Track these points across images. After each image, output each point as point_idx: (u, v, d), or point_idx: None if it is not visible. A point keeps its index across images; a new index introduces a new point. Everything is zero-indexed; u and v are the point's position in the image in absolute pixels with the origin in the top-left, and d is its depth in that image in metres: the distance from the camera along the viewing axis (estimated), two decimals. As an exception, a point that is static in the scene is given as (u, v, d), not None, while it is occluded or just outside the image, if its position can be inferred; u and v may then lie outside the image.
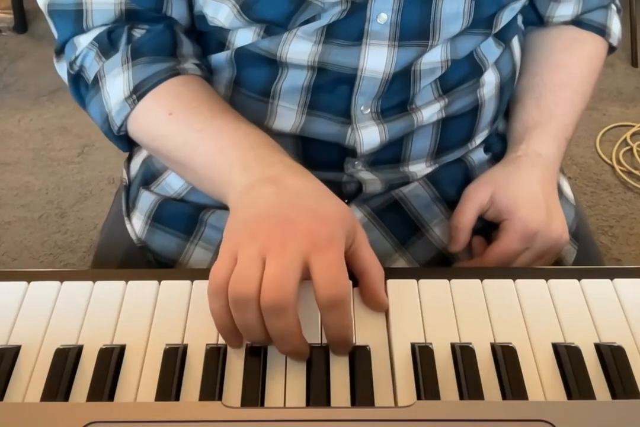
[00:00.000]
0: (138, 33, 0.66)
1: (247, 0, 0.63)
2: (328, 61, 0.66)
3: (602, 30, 0.79)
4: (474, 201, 0.71)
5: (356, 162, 0.73)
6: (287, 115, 0.70)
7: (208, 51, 0.70)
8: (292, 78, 0.68)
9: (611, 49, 0.82)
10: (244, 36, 0.67)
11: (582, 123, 2.00)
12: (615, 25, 0.80)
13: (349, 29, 0.65)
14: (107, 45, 0.65)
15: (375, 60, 0.66)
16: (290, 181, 0.53)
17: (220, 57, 0.69)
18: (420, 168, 0.75)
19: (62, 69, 0.70)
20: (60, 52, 0.69)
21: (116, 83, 0.63)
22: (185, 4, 0.68)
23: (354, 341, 0.52)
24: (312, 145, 0.71)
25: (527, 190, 0.70)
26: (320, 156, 0.73)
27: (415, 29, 0.65)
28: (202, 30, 0.70)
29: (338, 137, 0.70)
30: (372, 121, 0.70)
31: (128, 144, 0.68)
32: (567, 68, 0.78)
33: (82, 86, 0.67)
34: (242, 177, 0.54)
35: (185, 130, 0.60)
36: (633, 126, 1.97)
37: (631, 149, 1.91)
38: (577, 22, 0.79)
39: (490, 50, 0.72)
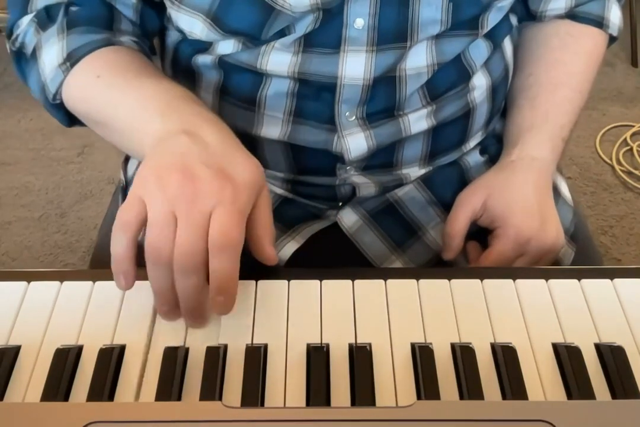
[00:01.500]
0: (75, 7, 0.66)
1: (216, 13, 0.63)
2: (308, 71, 0.66)
3: (599, 22, 0.76)
4: (467, 208, 0.70)
5: (348, 168, 0.73)
6: (274, 124, 0.70)
7: (193, 52, 0.70)
8: (276, 87, 0.68)
9: (612, 39, 0.79)
10: (225, 47, 0.67)
11: (582, 123, 2.02)
12: (614, 15, 0.77)
13: (327, 37, 0.64)
14: (45, 19, 0.66)
15: (354, 67, 0.65)
16: (205, 134, 0.53)
17: (205, 60, 0.69)
18: (413, 170, 0.75)
19: (8, 44, 0.71)
20: (10, 36, 0.70)
21: (51, 51, 0.64)
22: (134, 15, 0.68)
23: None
24: (302, 152, 0.71)
25: (520, 196, 0.69)
26: (311, 162, 0.72)
27: (392, 32, 0.64)
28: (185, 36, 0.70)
29: (325, 145, 0.70)
30: (358, 127, 0.69)
31: (67, 116, 0.68)
32: (564, 66, 0.76)
33: (23, 61, 0.69)
34: (160, 126, 0.55)
35: (109, 90, 0.61)
36: (633, 126, 1.97)
37: (631, 149, 1.91)
38: (572, 15, 0.76)
39: (478, 52, 0.71)
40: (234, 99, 0.70)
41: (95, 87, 0.62)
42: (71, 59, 0.63)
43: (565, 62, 0.76)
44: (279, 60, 0.66)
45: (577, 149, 1.91)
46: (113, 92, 0.61)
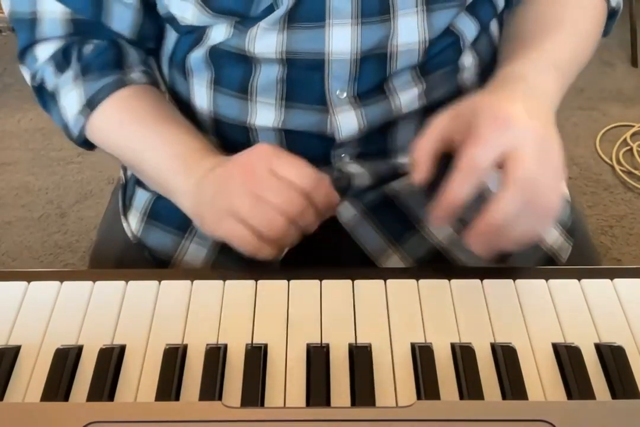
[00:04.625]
0: (87, 49, 0.71)
1: None
2: (295, 50, 0.66)
3: None
4: (435, 125, 0.58)
5: (342, 155, 0.73)
6: (267, 111, 0.71)
7: (188, 49, 0.71)
8: (266, 73, 0.69)
9: (613, 14, 0.74)
10: (217, 33, 0.68)
11: (582, 123, 2.02)
12: None
13: (311, 9, 0.64)
14: (61, 61, 0.71)
15: (340, 41, 0.65)
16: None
17: (197, 57, 0.70)
18: (408, 159, 0.75)
19: (26, 74, 0.76)
20: (22, 58, 0.74)
21: (70, 98, 0.70)
22: (131, 15, 0.70)
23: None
24: (296, 138, 0.72)
25: (503, 100, 0.57)
26: (305, 149, 0.72)
27: (376, 2, 0.64)
28: (180, 33, 0.71)
29: (319, 126, 0.70)
30: (349, 105, 0.70)
31: (90, 145, 0.74)
32: (561, 21, 0.69)
33: (45, 95, 0.73)
34: (185, 178, 0.63)
35: (132, 139, 0.68)
36: (633, 126, 1.97)
37: (631, 149, 1.91)
38: None
39: (465, 25, 0.69)
40: (227, 89, 0.71)
41: (119, 135, 0.69)
42: (90, 105, 0.69)
43: (567, 10, 0.70)
44: (266, 41, 0.66)
45: (577, 149, 1.91)
46: (136, 142, 0.68)
